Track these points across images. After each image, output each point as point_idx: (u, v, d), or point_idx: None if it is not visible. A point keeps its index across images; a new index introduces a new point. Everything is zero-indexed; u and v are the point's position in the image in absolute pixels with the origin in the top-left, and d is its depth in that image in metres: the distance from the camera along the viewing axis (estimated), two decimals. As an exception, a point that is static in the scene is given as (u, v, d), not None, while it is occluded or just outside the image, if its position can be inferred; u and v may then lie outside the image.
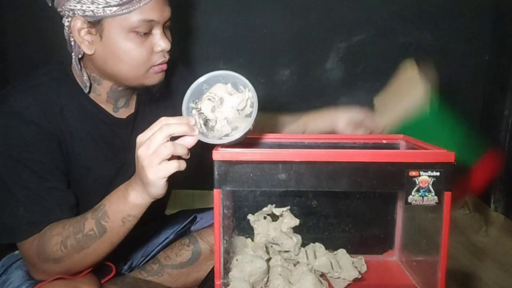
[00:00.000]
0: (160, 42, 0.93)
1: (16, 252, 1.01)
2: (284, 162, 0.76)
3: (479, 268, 1.44)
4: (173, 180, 0.80)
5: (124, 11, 0.88)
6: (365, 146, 0.97)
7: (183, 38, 1.65)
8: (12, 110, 0.91)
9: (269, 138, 0.99)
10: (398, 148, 0.99)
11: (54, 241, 0.86)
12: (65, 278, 0.90)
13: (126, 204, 0.83)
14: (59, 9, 0.93)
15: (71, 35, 0.93)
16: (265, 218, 0.92)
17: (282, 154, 0.76)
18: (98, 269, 0.98)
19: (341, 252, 0.93)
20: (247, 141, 0.88)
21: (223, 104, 0.79)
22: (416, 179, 0.76)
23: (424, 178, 0.76)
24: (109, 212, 0.85)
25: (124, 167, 1.03)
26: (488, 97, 1.75)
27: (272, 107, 1.72)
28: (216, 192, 0.76)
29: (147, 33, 0.92)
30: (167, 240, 1.21)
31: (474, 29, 1.70)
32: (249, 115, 0.79)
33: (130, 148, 0.97)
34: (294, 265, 0.90)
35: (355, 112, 1.16)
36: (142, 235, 1.18)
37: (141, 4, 0.88)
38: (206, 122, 0.79)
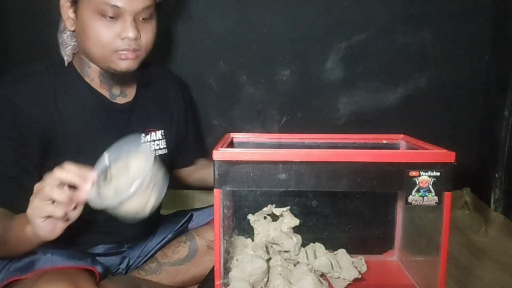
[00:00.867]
0: (127, 30, 0.97)
1: None
2: (284, 162, 0.76)
3: (479, 268, 1.44)
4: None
5: None
6: (365, 146, 0.97)
7: (183, 38, 1.65)
8: (2, 95, 0.97)
9: (269, 138, 0.99)
10: (398, 148, 0.99)
11: None
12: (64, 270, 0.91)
13: (23, 231, 0.82)
14: None
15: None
16: (265, 218, 0.92)
17: (282, 154, 0.76)
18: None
19: (341, 252, 0.93)
20: (247, 141, 0.89)
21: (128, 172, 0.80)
22: (416, 179, 0.76)
23: (424, 178, 0.76)
24: (13, 229, 0.84)
25: None
26: (488, 97, 1.75)
27: (272, 107, 1.73)
28: (216, 192, 0.76)
29: (115, 18, 0.97)
30: (165, 239, 1.21)
31: (474, 29, 1.70)
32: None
33: (125, 135, 0.97)
34: (294, 265, 0.90)
35: None
36: (138, 235, 1.18)
37: None
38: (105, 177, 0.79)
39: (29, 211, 0.75)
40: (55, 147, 1.00)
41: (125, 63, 1.00)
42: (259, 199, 0.90)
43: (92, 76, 1.06)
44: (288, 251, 0.89)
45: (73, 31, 1.02)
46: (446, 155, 0.77)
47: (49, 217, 0.75)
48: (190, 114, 1.30)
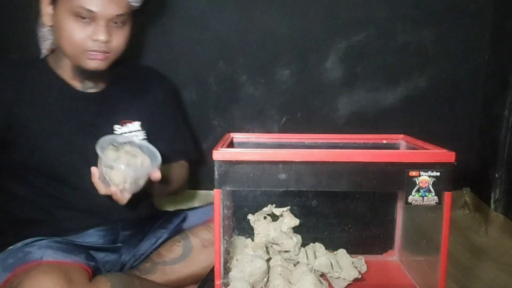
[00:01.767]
0: (99, 33, 1.04)
1: None
2: (284, 162, 0.76)
3: (479, 268, 1.44)
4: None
5: None
6: (365, 146, 0.97)
7: (183, 38, 1.65)
8: None
9: (269, 138, 0.99)
10: (398, 148, 0.99)
11: None
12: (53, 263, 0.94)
13: None
14: None
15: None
16: (265, 218, 0.92)
17: (282, 154, 0.76)
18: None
19: (341, 252, 0.93)
20: (247, 141, 0.89)
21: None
22: (416, 179, 0.76)
23: (424, 178, 0.76)
24: None
25: (90, 140, 1.04)
26: (488, 97, 1.75)
27: (272, 107, 1.73)
28: (216, 192, 0.76)
29: (89, 21, 1.04)
30: (161, 239, 1.21)
31: (474, 29, 1.70)
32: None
33: (97, 124, 1.14)
34: (294, 265, 0.90)
35: None
36: (133, 235, 1.18)
37: None
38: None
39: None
40: (20, 129, 1.09)
41: (94, 62, 1.08)
42: (259, 199, 0.90)
43: (66, 68, 1.13)
44: (288, 251, 0.89)
45: (51, 26, 1.10)
46: (446, 155, 0.77)
47: None
48: (171, 112, 1.31)
